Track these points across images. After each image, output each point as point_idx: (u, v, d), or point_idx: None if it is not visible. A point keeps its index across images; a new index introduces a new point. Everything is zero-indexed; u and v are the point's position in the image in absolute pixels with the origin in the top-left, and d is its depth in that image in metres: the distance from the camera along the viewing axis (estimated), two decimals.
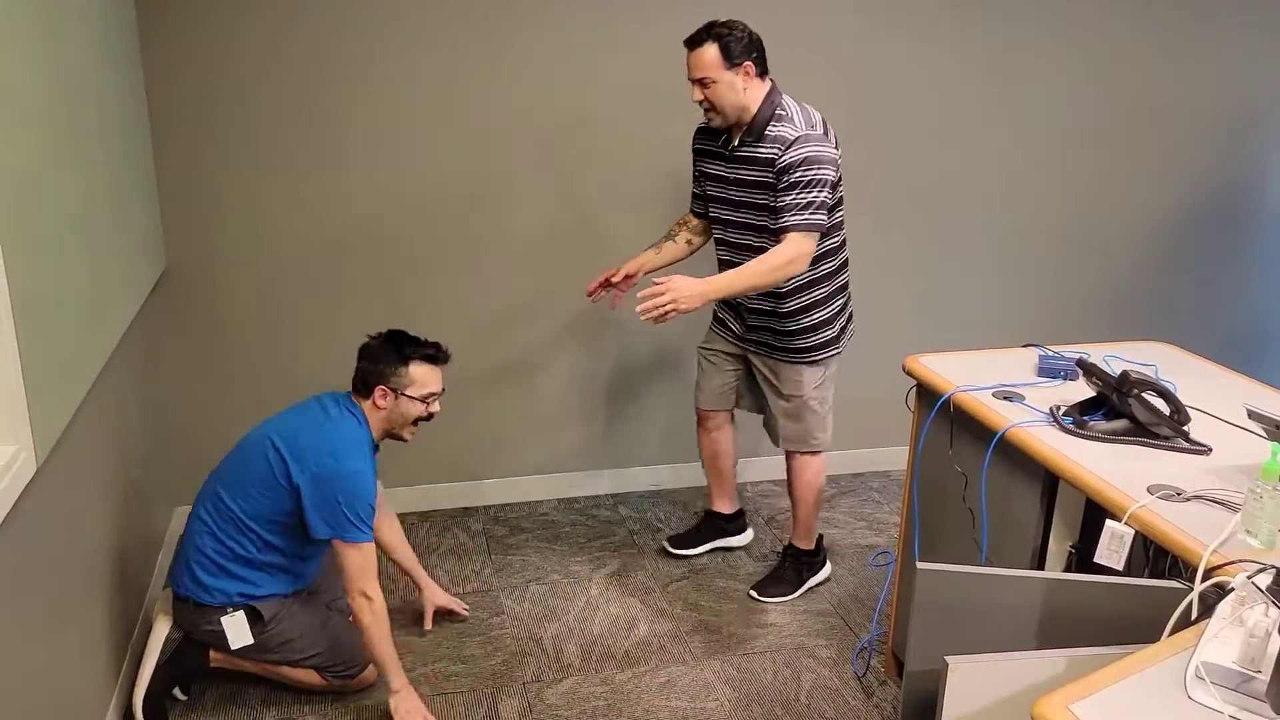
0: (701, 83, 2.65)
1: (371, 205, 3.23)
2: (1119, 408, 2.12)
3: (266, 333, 3.27)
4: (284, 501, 2.38)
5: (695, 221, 2.99)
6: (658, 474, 3.71)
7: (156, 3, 2.92)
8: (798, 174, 2.63)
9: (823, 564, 3.15)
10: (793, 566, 3.09)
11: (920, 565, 1.79)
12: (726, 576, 3.19)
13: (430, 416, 2.50)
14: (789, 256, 2.64)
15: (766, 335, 2.88)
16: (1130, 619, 1.69)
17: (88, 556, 2.31)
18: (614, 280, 2.92)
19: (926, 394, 2.46)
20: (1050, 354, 2.50)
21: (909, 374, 2.51)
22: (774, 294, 2.78)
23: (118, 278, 2.55)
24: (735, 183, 2.78)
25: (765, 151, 2.68)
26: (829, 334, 2.88)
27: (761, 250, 2.70)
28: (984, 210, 3.73)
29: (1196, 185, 3.91)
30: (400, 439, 2.55)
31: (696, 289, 2.60)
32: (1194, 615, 1.56)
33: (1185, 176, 3.88)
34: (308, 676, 2.55)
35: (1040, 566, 2.14)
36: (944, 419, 2.38)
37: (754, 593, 3.06)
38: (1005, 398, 2.29)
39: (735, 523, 3.30)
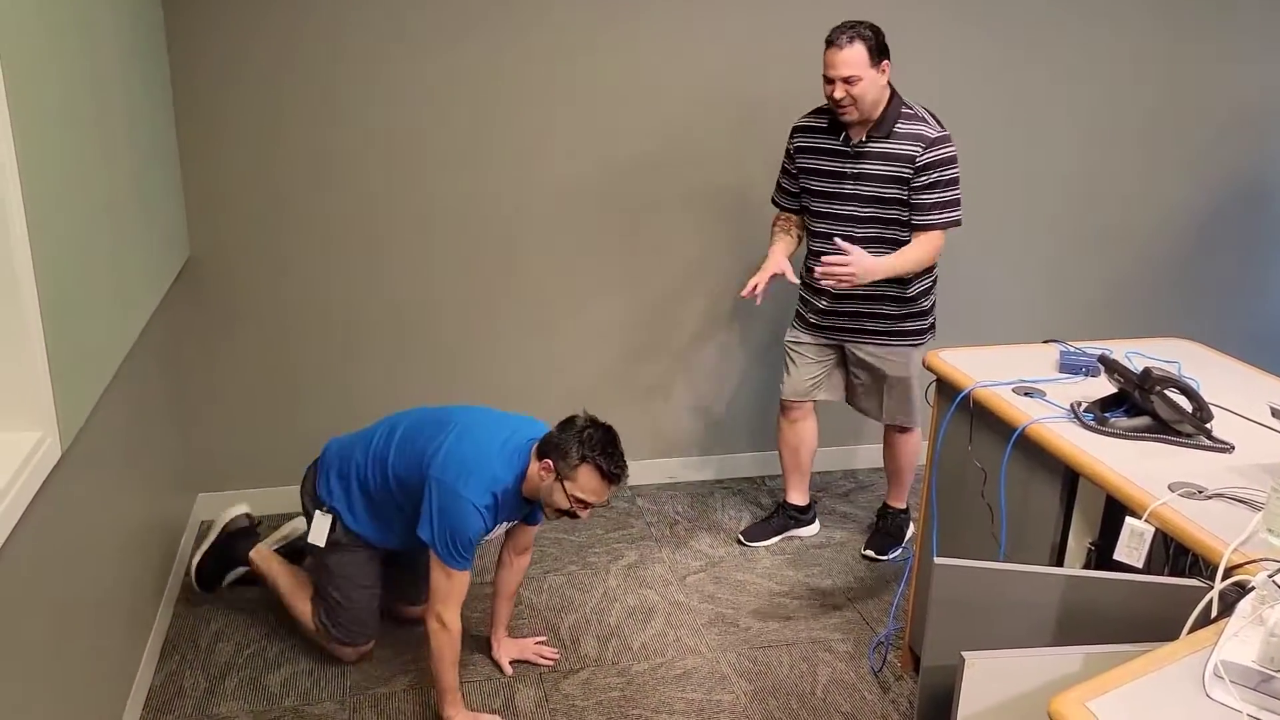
0: (847, 80, 2.72)
1: (395, 197, 3.25)
2: (1141, 405, 2.10)
3: (288, 322, 3.29)
4: (418, 479, 2.44)
5: (794, 218, 3.07)
6: (674, 467, 3.72)
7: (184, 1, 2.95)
8: (942, 172, 2.80)
9: (812, 520, 3.40)
10: (895, 523, 3.33)
11: (938, 560, 1.79)
12: (744, 570, 3.19)
13: (574, 515, 2.40)
14: (937, 248, 2.87)
15: (881, 322, 3.00)
16: (1149, 617, 1.68)
17: (111, 542, 2.34)
18: (778, 278, 2.92)
19: (946, 389, 2.45)
20: (1072, 350, 2.48)
21: (929, 369, 2.50)
22: (901, 281, 2.93)
23: (142, 266, 2.58)
24: (858, 178, 2.86)
25: (901, 148, 2.80)
26: (933, 317, 3.10)
27: (886, 242, 2.87)
28: (1005, 206, 3.70)
29: (1220, 183, 3.87)
30: (546, 514, 2.49)
31: (870, 265, 2.78)
32: (1214, 614, 1.55)
33: (1208, 174, 3.84)
34: (308, 616, 2.68)
35: (1059, 563, 2.13)
36: (964, 414, 2.37)
37: (871, 552, 3.26)
38: (1026, 393, 2.28)
39: (807, 514, 3.38)
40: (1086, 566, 2.08)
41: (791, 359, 3.17)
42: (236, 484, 3.38)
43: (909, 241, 2.88)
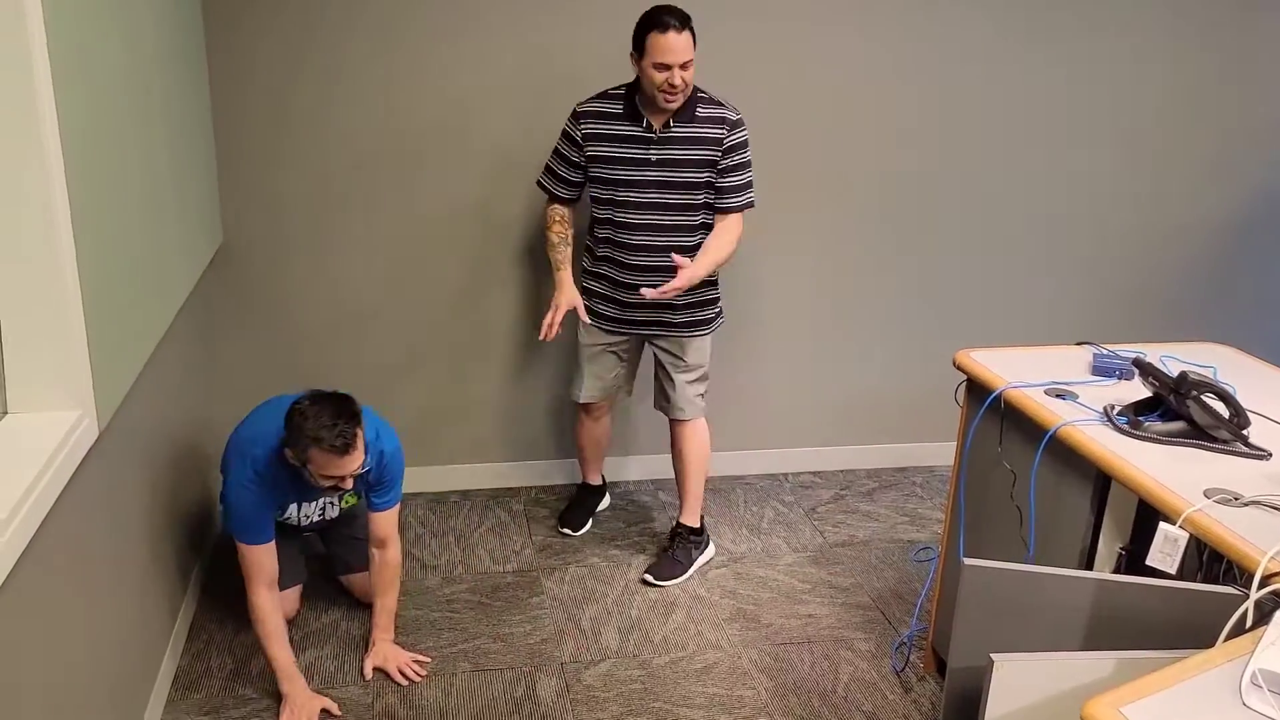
0: (684, 66, 2.68)
1: (428, 188, 3.26)
2: (1176, 409, 2.08)
3: (318, 309, 3.31)
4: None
5: (567, 211, 2.99)
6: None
7: None
8: (743, 155, 2.84)
9: (707, 543, 3.25)
10: (684, 546, 3.16)
11: (967, 561, 1.78)
12: (765, 565, 3.19)
13: (337, 489, 2.39)
14: (739, 232, 2.88)
15: (683, 313, 2.95)
16: (1182, 624, 1.67)
17: (142, 521, 2.36)
18: (559, 317, 2.90)
19: (976, 389, 2.44)
20: (1105, 352, 2.46)
21: (959, 369, 2.49)
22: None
23: (177, 253, 2.60)
24: (663, 164, 2.81)
25: (706, 131, 2.79)
26: (720, 304, 3.06)
27: (688, 230, 2.87)
28: (1035, 206, 3.67)
29: (1259, 185, 3.82)
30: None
31: (700, 268, 2.78)
32: (1249, 623, 1.54)
33: (1242, 177, 3.79)
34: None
35: (1088, 567, 2.11)
36: (993, 415, 2.36)
37: (649, 576, 3.08)
38: (1058, 395, 2.26)
39: (602, 490, 3.48)
40: (1117, 571, 2.06)
41: (593, 361, 3.08)
42: None
43: (704, 226, 2.87)
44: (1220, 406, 2.06)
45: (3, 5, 1.63)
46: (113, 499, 2.12)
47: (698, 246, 2.87)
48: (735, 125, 2.81)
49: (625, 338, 3.05)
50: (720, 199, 2.86)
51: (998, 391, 2.31)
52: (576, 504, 3.42)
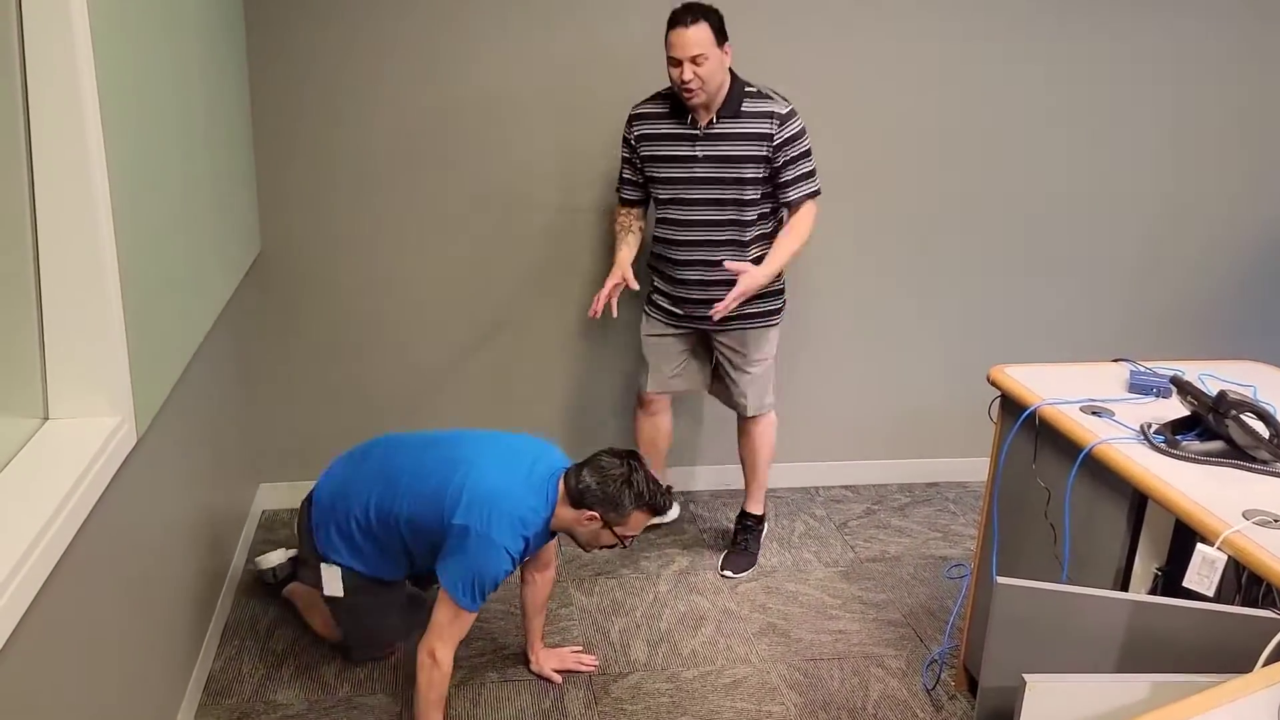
0: (695, 60, 2.67)
1: (465, 197, 3.29)
2: (1215, 428, 2.05)
3: (353, 318, 3.35)
4: (436, 524, 2.34)
5: (635, 211, 3.04)
6: (728, 473, 3.71)
7: (263, 4, 3.02)
8: (798, 145, 2.82)
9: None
10: (754, 535, 3.27)
11: (1000, 580, 1.76)
12: (796, 580, 3.17)
13: (625, 545, 2.42)
14: (812, 223, 2.88)
15: (743, 306, 2.89)
16: (1219, 648, 1.64)
17: (178, 527, 2.40)
18: (621, 288, 2.88)
19: (1011, 406, 2.41)
20: (1142, 370, 2.43)
21: (994, 385, 2.47)
22: (755, 263, 2.87)
23: (216, 261, 2.64)
24: (709, 160, 2.82)
25: (754, 126, 2.78)
26: (785, 294, 3.06)
27: (741, 225, 2.87)
28: (1072, 222, 3.64)
29: None
30: (579, 545, 2.44)
31: (761, 274, 2.78)
32: None
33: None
34: (330, 634, 2.71)
35: (1124, 588, 2.08)
36: (1028, 432, 2.33)
37: (728, 571, 3.16)
38: (1094, 413, 2.23)
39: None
40: (1152, 593, 2.03)
41: (652, 353, 3.13)
42: (297, 475, 3.44)
43: (759, 220, 2.88)
44: (1260, 426, 2.02)
45: (50, 15, 1.67)
46: (149, 504, 2.15)
47: (754, 243, 2.89)
48: (785, 119, 2.79)
49: (687, 330, 3.05)
50: (782, 193, 2.86)
51: (1033, 408, 2.28)
52: None
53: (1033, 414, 2.28)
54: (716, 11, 2.72)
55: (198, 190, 2.45)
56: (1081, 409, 2.25)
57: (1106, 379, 2.44)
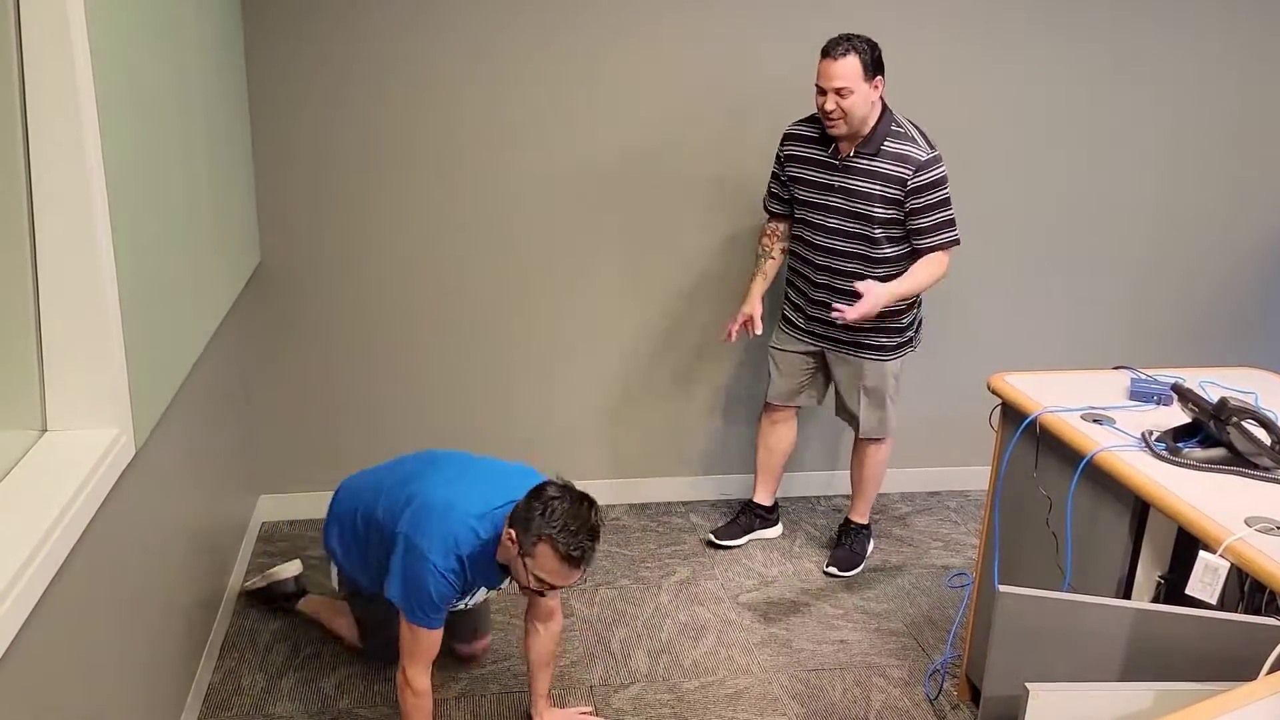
0: (839, 92, 2.72)
1: (462, 210, 3.29)
2: (1216, 435, 2.04)
3: (353, 330, 3.34)
4: (391, 532, 2.31)
5: (781, 227, 3.11)
6: (729, 483, 3.70)
7: (261, 13, 3.02)
8: (934, 194, 2.81)
9: (776, 521, 3.46)
10: (859, 540, 3.33)
11: (1003, 588, 1.76)
12: (798, 590, 3.16)
13: (541, 593, 2.22)
14: (942, 268, 2.89)
15: (859, 334, 3.00)
16: (1222, 656, 1.63)
17: (177, 539, 2.39)
18: (748, 325, 3.10)
19: (1012, 414, 2.41)
20: (1143, 377, 2.42)
21: (994, 393, 2.46)
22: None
23: (215, 273, 2.64)
24: (844, 192, 2.86)
25: (889, 168, 2.80)
26: (914, 333, 3.09)
27: (868, 261, 2.91)
28: (1071, 229, 3.64)
29: None
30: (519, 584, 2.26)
31: (884, 293, 2.80)
32: None
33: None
34: (351, 637, 2.72)
35: (1126, 596, 2.07)
36: (1029, 440, 2.33)
37: (834, 569, 3.22)
38: (1095, 420, 2.23)
39: (772, 514, 3.44)
40: (1155, 601, 2.02)
41: (776, 363, 3.20)
42: (297, 487, 3.44)
43: (886, 260, 2.90)
44: (1261, 433, 2.02)
45: (49, 27, 1.67)
46: (148, 516, 2.14)
47: (884, 279, 2.88)
48: (924, 166, 2.79)
49: (814, 346, 3.12)
50: (914, 240, 2.87)
51: (1033, 416, 2.28)
52: (732, 520, 3.44)
53: (1033, 422, 2.28)
54: (872, 44, 2.75)
55: (197, 201, 2.45)
56: (1082, 417, 2.24)
57: (1107, 386, 2.43)
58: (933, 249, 2.86)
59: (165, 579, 2.27)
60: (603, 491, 3.62)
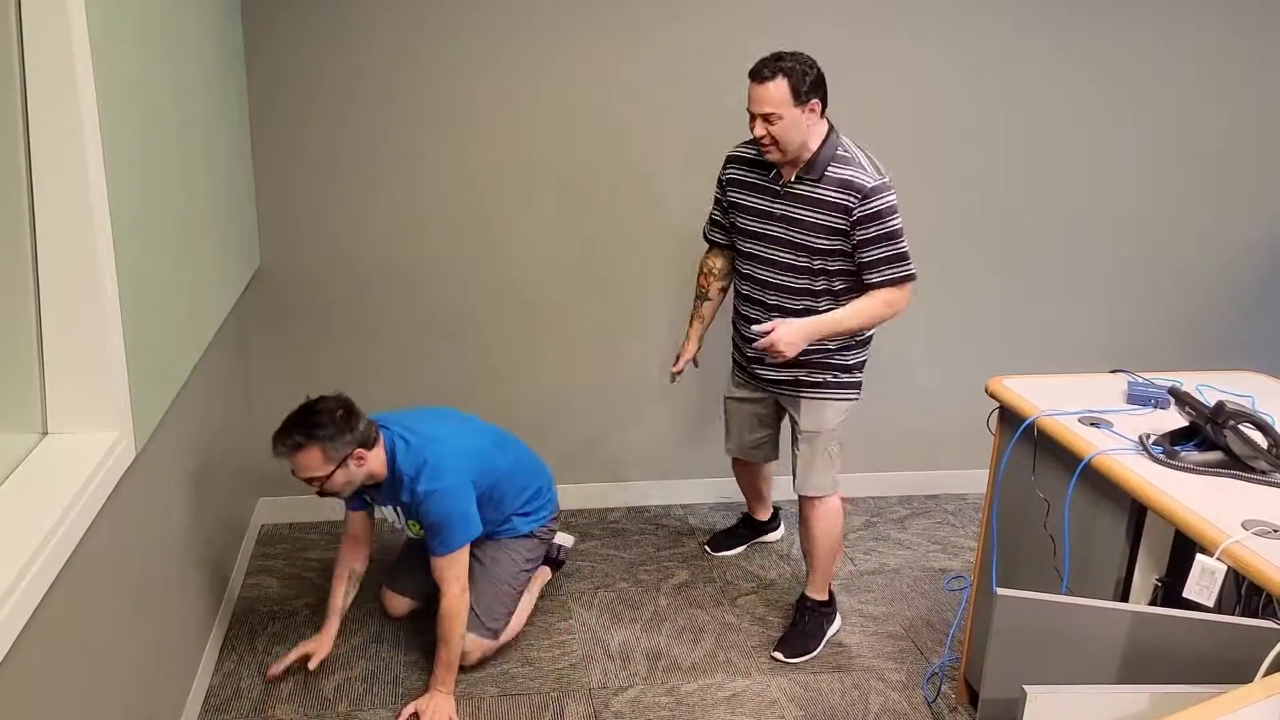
0: (767, 118, 2.49)
1: (462, 213, 3.30)
2: (1213, 439, 2.05)
3: (352, 333, 3.35)
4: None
5: (719, 263, 2.89)
6: (727, 486, 3.70)
7: (261, 18, 3.03)
8: (884, 225, 2.52)
9: (778, 525, 3.43)
10: (813, 620, 2.92)
11: (1001, 591, 1.76)
12: (796, 592, 3.16)
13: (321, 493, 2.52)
14: (889, 304, 2.58)
15: (794, 370, 2.72)
16: (1220, 658, 1.64)
17: (177, 542, 2.39)
18: (686, 363, 2.96)
19: (1009, 417, 2.42)
20: (1140, 381, 2.43)
21: (992, 396, 2.47)
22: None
23: (215, 276, 2.64)
24: (785, 220, 2.62)
25: (832, 195, 2.53)
26: (858, 375, 2.77)
27: (807, 294, 2.65)
28: (1070, 233, 3.65)
29: None
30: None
31: (800, 333, 2.53)
32: None
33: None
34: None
35: (1124, 599, 2.08)
36: (1026, 443, 2.33)
37: (779, 655, 2.84)
38: (1092, 424, 2.24)
39: (771, 523, 3.42)
40: (1152, 603, 2.03)
41: (731, 416, 2.99)
42: (296, 490, 3.43)
43: (835, 294, 2.63)
44: (1258, 437, 2.02)
45: (50, 31, 1.68)
46: (148, 519, 2.15)
47: (823, 313, 2.62)
48: (871, 193, 2.50)
49: (764, 394, 2.87)
50: (863, 274, 2.58)
51: (1031, 419, 2.28)
52: (731, 529, 3.43)
53: (1031, 425, 2.28)
54: (804, 67, 2.48)
55: (197, 205, 2.45)
56: (1080, 420, 2.25)
57: (1104, 390, 2.44)
58: (881, 284, 2.56)
59: (165, 582, 2.27)
60: (602, 494, 3.63)
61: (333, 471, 2.43)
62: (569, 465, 3.60)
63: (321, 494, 2.49)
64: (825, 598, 2.93)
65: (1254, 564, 1.71)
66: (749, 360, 2.83)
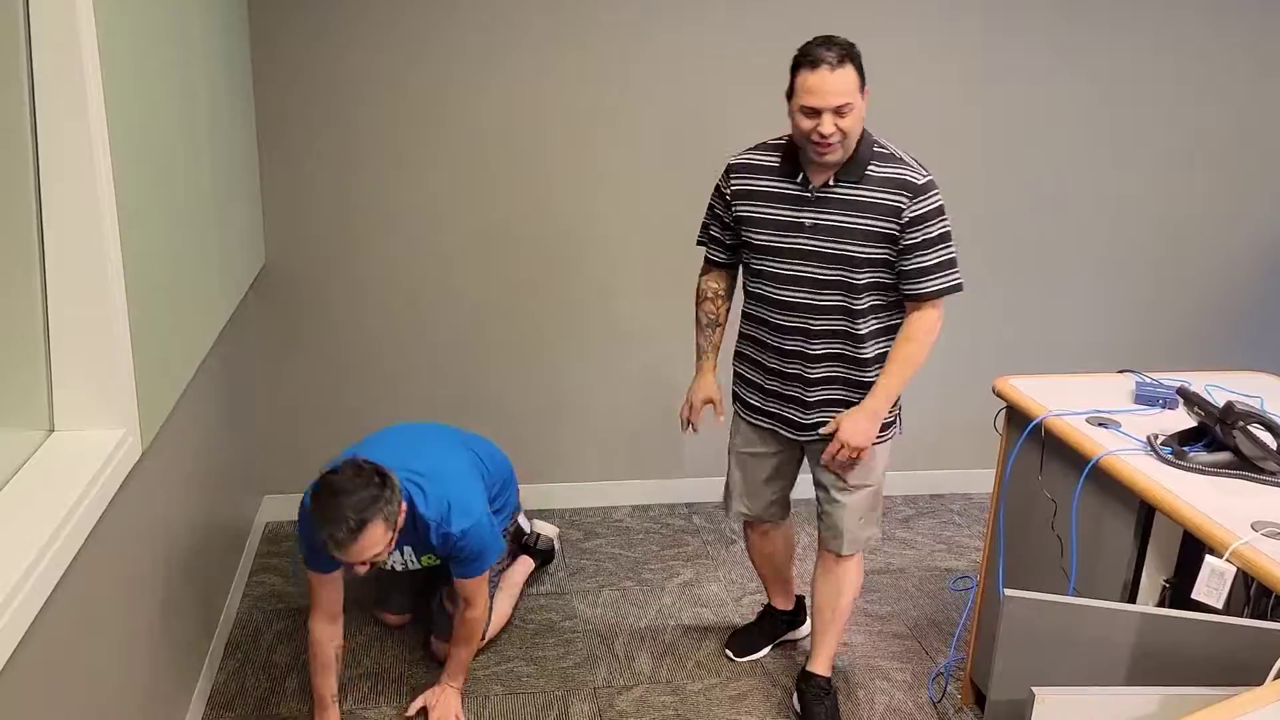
0: (839, 111, 2.13)
1: (468, 210, 3.29)
2: (1222, 440, 2.04)
3: (357, 331, 3.35)
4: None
5: (725, 283, 2.50)
6: None
7: (267, 14, 3.02)
8: (934, 225, 2.23)
9: (803, 620, 2.89)
10: (817, 702, 2.59)
11: (1008, 592, 1.75)
12: (801, 592, 3.15)
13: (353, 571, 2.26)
14: (933, 328, 2.29)
15: (832, 410, 2.38)
16: (1229, 661, 1.63)
17: (183, 539, 2.39)
18: (700, 415, 2.54)
19: (1017, 417, 2.41)
20: (1148, 381, 2.42)
21: (999, 396, 2.46)
22: (856, 343, 2.32)
23: (221, 274, 2.64)
24: (818, 230, 2.25)
25: (879, 196, 2.21)
26: (900, 405, 2.46)
27: (849, 314, 2.29)
28: (1076, 232, 3.64)
29: None
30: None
31: (867, 421, 2.26)
32: None
33: None
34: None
35: (1132, 600, 2.07)
36: (1034, 443, 2.32)
37: None
38: (1100, 424, 2.23)
39: (798, 616, 2.89)
40: (1161, 605, 2.02)
41: (744, 469, 2.54)
42: (301, 487, 3.41)
43: (869, 313, 2.29)
44: (1268, 437, 2.02)
45: (57, 27, 1.67)
46: (153, 516, 2.15)
47: (870, 338, 2.32)
48: (921, 191, 2.20)
49: (781, 444, 2.48)
50: (905, 284, 2.25)
51: (1038, 419, 2.28)
52: (751, 626, 2.88)
53: (1038, 425, 2.27)
54: (856, 47, 2.17)
55: (202, 203, 2.45)
56: (1087, 420, 2.24)
57: (1112, 390, 2.43)
58: (933, 295, 2.24)
59: (170, 579, 2.27)
60: (606, 493, 3.63)
61: (391, 538, 2.20)
62: (573, 463, 3.60)
63: (365, 572, 2.21)
64: (828, 673, 2.60)
65: (1264, 565, 1.70)
66: (768, 396, 2.44)
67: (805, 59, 2.15)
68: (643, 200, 3.37)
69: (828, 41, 2.15)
